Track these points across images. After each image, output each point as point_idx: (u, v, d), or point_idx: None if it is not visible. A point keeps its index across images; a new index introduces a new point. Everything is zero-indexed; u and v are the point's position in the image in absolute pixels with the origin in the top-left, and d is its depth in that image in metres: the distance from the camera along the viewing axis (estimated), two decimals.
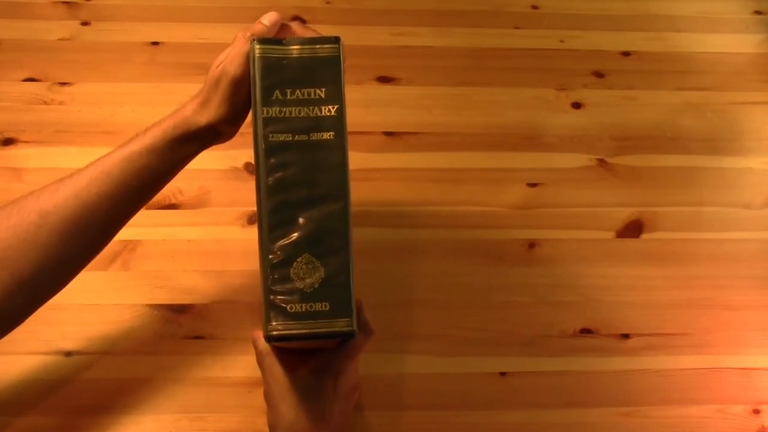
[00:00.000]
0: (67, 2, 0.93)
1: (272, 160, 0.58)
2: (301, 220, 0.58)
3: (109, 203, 0.62)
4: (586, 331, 0.80)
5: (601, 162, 0.89)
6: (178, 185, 0.82)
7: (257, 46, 0.60)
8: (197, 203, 0.83)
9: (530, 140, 0.89)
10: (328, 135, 0.59)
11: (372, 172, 0.86)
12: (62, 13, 0.92)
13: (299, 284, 0.57)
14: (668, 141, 0.90)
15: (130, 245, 0.80)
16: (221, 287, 0.79)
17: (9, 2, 0.92)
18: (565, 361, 0.79)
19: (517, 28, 0.96)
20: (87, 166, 0.63)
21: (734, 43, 0.97)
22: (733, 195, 0.88)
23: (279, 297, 0.57)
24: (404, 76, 0.92)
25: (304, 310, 0.57)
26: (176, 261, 0.80)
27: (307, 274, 0.57)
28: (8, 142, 0.84)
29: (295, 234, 0.58)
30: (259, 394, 0.66)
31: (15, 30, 0.90)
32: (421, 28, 0.95)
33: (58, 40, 0.90)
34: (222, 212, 0.83)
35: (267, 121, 0.59)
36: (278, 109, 0.59)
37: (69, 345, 0.75)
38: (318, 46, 0.61)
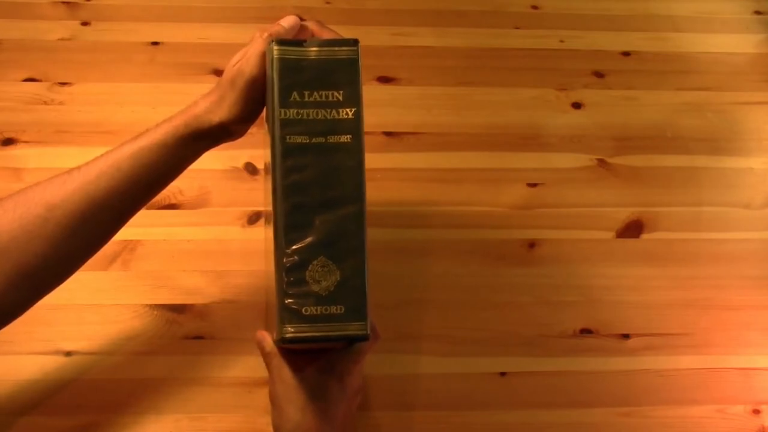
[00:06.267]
0: (67, 2, 0.93)
1: (289, 162, 0.58)
2: (317, 223, 0.57)
3: (117, 198, 0.62)
4: (586, 331, 0.80)
5: (601, 162, 0.89)
6: (178, 185, 0.82)
7: (276, 47, 0.59)
8: (197, 203, 0.83)
9: (530, 140, 0.89)
10: (345, 138, 0.59)
11: (372, 172, 0.85)
12: (62, 13, 0.92)
13: (314, 287, 0.57)
14: (668, 141, 0.90)
15: (130, 245, 0.80)
16: (221, 287, 0.79)
17: (9, 2, 0.92)
18: (565, 361, 0.79)
19: (516, 28, 0.96)
20: (95, 160, 0.62)
21: (734, 43, 0.97)
22: (733, 195, 0.88)
23: (294, 300, 0.56)
24: (404, 76, 0.92)
25: (318, 312, 0.56)
26: (176, 261, 0.80)
27: (323, 277, 0.57)
28: (8, 142, 0.84)
29: (311, 237, 0.57)
30: (260, 394, 0.66)
31: (15, 30, 0.90)
32: (421, 28, 0.95)
33: (58, 40, 0.90)
34: (222, 212, 0.83)
35: (284, 123, 0.58)
36: (296, 110, 0.59)
37: (69, 345, 0.75)
38: (336, 48, 0.60)
